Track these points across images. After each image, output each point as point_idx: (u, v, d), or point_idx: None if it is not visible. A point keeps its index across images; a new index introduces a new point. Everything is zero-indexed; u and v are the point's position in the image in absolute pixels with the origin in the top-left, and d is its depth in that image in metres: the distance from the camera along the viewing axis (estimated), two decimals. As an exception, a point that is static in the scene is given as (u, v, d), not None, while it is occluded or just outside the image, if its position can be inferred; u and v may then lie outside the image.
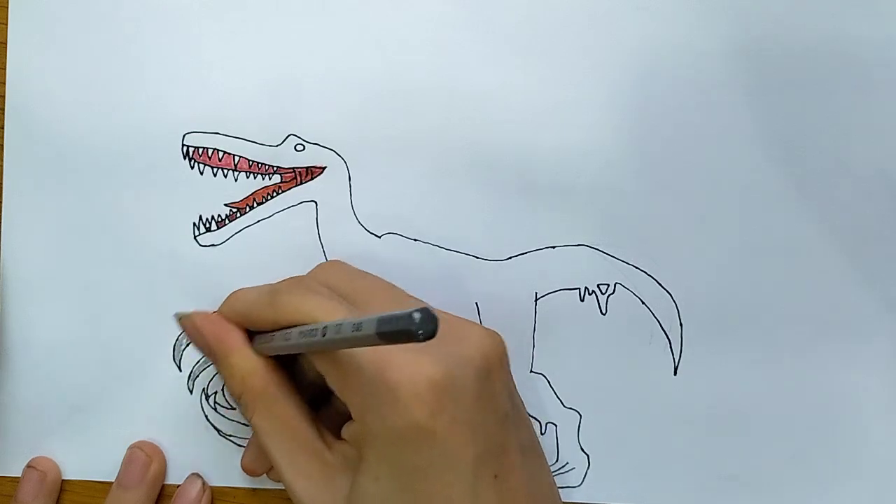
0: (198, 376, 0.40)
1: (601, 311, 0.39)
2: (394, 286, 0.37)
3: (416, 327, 0.25)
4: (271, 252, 0.39)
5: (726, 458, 0.40)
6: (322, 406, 0.37)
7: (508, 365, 0.35)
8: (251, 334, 0.36)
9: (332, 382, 0.34)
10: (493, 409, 0.33)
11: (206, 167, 0.39)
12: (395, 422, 0.31)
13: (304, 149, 0.39)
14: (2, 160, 0.40)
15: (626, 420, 0.40)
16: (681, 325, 0.39)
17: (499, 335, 0.34)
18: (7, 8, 0.39)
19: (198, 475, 0.40)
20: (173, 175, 0.39)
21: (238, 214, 0.39)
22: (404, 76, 0.39)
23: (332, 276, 0.37)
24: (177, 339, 0.40)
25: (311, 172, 0.39)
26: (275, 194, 0.39)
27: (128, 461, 0.39)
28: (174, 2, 0.39)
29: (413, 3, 0.39)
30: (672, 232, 0.39)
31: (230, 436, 0.40)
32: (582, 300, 0.39)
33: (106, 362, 0.40)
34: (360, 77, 0.39)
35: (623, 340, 0.39)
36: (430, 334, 0.25)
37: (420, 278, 0.39)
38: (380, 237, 0.39)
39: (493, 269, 0.39)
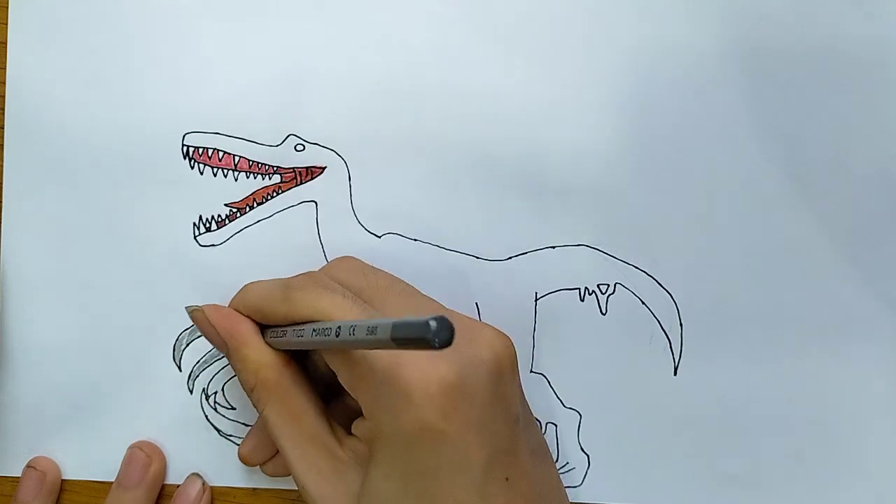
0: (198, 376, 0.40)
1: (601, 311, 0.39)
2: (407, 284, 0.36)
3: (433, 335, 0.25)
4: (271, 252, 0.39)
5: (726, 458, 0.40)
6: (333, 400, 0.37)
7: (518, 367, 0.35)
8: (262, 327, 0.36)
9: (344, 380, 0.34)
10: (505, 411, 0.33)
11: (206, 167, 0.39)
12: (406, 422, 0.31)
13: (304, 149, 0.39)
14: (2, 160, 0.40)
15: (626, 420, 0.40)
16: (681, 325, 0.39)
17: (509, 337, 0.34)
18: (7, 8, 0.39)
19: (198, 475, 0.40)
20: (173, 175, 0.39)
21: (238, 214, 0.39)
22: (404, 76, 0.39)
23: (345, 273, 0.36)
24: (177, 339, 0.40)
25: (311, 172, 0.39)
26: (275, 194, 0.39)
27: (128, 461, 0.39)
28: (174, 2, 0.39)
29: (413, 3, 0.39)
30: (672, 232, 0.39)
31: (230, 436, 0.40)
32: (582, 300, 0.39)
33: (106, 362, 0.40)
34: (361, 77, 0.39)
35: (623, 340, 0.39)
36: (446, 343, 0.25)
37: (420, 278, 0.39)
38: (380, 237, 0.39)
39: (493, 269, 0.39)
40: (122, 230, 0.39)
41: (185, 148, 0.39)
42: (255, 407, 0.36)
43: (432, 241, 0.39)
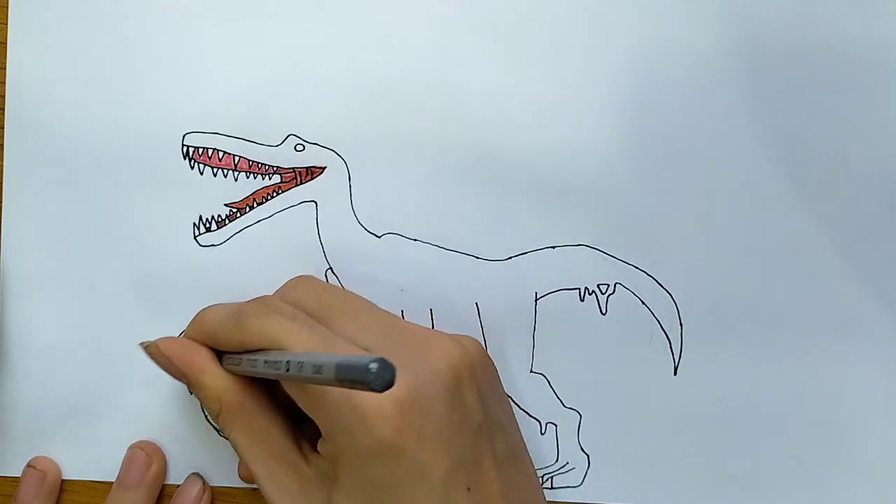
0: (198, 376, 0.40)
1: (601, 311, 0.39)
2: (361, 299, 0.37)
3: (373, 378, 0.25)
4: (271, 252, 0.39)
5: (726, 458, 0.40)
6: (305, 419, 0.37)
7: (486, 371, 0.34)
8: (219, 353, 0.36)
9: (301, 404, 0.34)
10: (464, 420, 0.33)
11: (206, 167, 0.39)
12: (362, 441, 0.31)
13: (304, 149, 0.39)
14: (2, 160, 0.40)
15: (626, 420, 0.40)
16: (681, 325, 0.39)
17: (469, 342, 0.34)
18: (7, 8, 0.39)
19: (198, 475, 0.40)
20: (173, 175, 0.39)
21: (238, 214, 0.39)
22: (404, 76, 0.39)
23: (300, 293, 0.37)
24: (177, 339, 0.40)
25: (311, 172, 0.39)
26: (275, 194, 0.39)
27: (128, 461, 0.39)
28: (174, 2, 0.39)
29: (413, 3, 0.39)
30: (672, 232, 0.39)
31: (230, 436, 0.40)
32: (582, 300, 0.39)
33: (106, 362, 0.40)
34: (360, 77, 0.39)
35: (623, 340, 0.39)
36: (388, 385, 0.26)
37: (420, 278, 0.39)
38: (380, 237, 0.39)
39: (493, 269, 0.39)
40: (122, 230, 0.39)
41: (185, 148, 0.39)
42: (222, 433, 0.36)
43: (432, 241, 0.39)
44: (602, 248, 0.39)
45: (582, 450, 0.40)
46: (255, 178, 0.39)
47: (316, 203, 0.39)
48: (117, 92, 0.39)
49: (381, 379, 0.25)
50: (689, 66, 0.39)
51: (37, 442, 0.40)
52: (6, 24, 0.39)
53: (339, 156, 0.39)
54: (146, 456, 0.39)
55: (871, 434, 0.40)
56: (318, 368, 0.28)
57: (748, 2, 0.39)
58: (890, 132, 0.39)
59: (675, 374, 0.39)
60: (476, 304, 0.39)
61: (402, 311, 0.39)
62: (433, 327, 0.39)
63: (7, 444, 0.40)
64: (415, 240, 0.39)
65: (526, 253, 0.39)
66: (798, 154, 0.39)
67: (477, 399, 0.34)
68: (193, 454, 0.40)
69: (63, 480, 0.40)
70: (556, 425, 0.40)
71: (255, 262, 0.39)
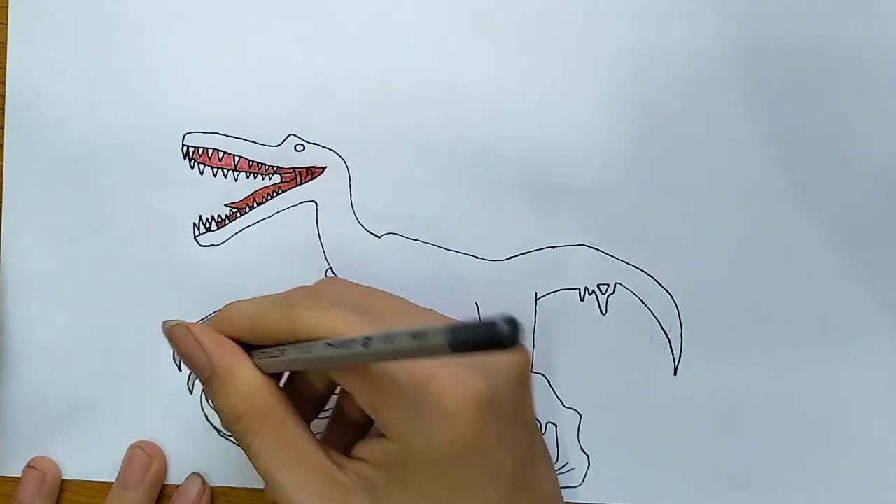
0: (198, 376, 0.40)
1: (601, 311, 0.39)
2: (402, 298, 0.35)
3: (505, 334, 0.24)
4: (271, 252, 0.39)
5: (726, 458, 0.40)
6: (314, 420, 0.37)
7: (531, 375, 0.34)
8: (247, 349, 0.34)
9: (363, 402, 0.32)
10: (525, 419, 0.33)
11: (206, 167, 0.39)
12: (442, 439, 0.30)
13: (304, 149, 0.39)
14: (2, 160, 0.40)
15: (626, 420, 0.40)
16: (681, 325, 0.39)
17: (523, 344, 0.34)
18: (7, 8, 0.39)
19: (198, 475, 0.40)
20: (173, 175, 0.39)
21: (238, 214, 0.39)
22: (404, 76, 0.39)
23: (339, 289, 0.35)
24: (177, 339, 0.40)
25: (311, 172, 0.39)
26: (275, 194, 0.39)
27: (128, 461, 0.39)
28: (174, 2, 0.39)
29: (413, 3, 0.39)
30: (672, 232, 0.39)
31: (230, 436, 0.40)
32: (582, 300, 0.39)
33: (106, 362, 0.40)
34: (360, 77, 0.39)
35: (623, 340, 0.39)
36: (516, 340, 0.24)
37: (420, 278, 0.39)
38: (380, 237, 0.39)
39: (493, 269, 0.39)
40: (122, 230, 0.39)
41: (185, 148, 0.39)
42: (239, 439, 0.33)
43: (432, 241, 0.39)
44: (602, 248, 0.39)
45: (582, 450, 0.40)
46: (255, 178, 0.39)
47: (316, 203, 0.39)
48: (117, 92, 0.39)
49: (512, 334, 0.24)
50: (689, 66, 0.39)
51: (37, 442, 0.40)
52: (6, 24, 0.39)
53: (339, 156, 0.39)
54: (146, 456, 0.39)
55: (871, 434, 0.40)
56: (419, 335, 0.26)
57: (748, 2, 0.39)
58: (890, 132, 0.39)
59: (675, 374, 0.39)
60: (476, 304, 0.39)
61: (402, 311, 0.39)
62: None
63: (7, 444, 0.40)
64: (415, 240, 0.39)
65: (526, 253, 0.39)
66: (798, 154, 0.39)
67: (532, 397, 0.34)
68: (193, 454, 0.40)
69: (63, 480, 0.40)
70: (556, 425, 0.40)
71: (255, 262, 0.39)
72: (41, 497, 0.39)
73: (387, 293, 0.35)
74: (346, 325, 0.31)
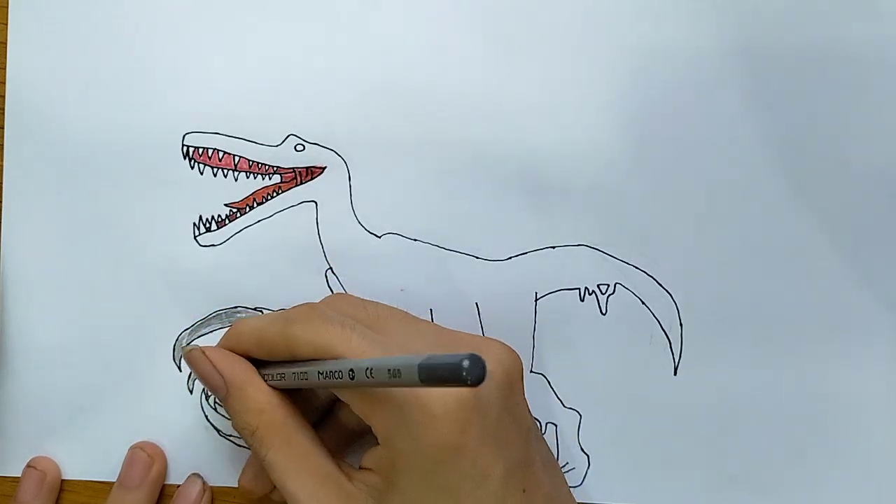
0: (198, 376, 0.40)
1: (601, 311, 0.39)
2: (405, 312, 0.36)
3: (467, 374, 0.25)
4: (271, 252, 0.39)
5: (726, 458, 0.40)
6: (321, 425, 0.38)
7: (524, 381, 0.35)
8: (258, 366, 0.36)
9: (357, 409, 0.33)
10: (517, 423, 0.33)
11: (206, 167, 0.39)
12: (426, 442, 0.31)
13: (304, 149, 0.39)
14: (2, 160, 0.40)
15: (626, 420, 0.40)
16: (681, 325, 0.39)
17: (514, 350, 0.34)
18: (7, 8, 0.39)
19: (198, 475, 0.40)
20: (173, 175, 0.39)
21: (238, 214, 0.39)
22: (404, 76, 0.39)
23: (342, 304, 0.36)
24: (177, 340, 0.40)
25: (311, 172, 0.39)
26: (275, 194, 0.39)
27: (129, 462, 0.39)
28: (174, 2, 0.39)
29: (413, 3, 0.39)
30: (672, 232, 0.39)
31: (230, 436, 0.40)
32: (582, 300, 0.39)
33: (106, 362, 0.40)
34: (360, 77, 0.39)
35: (623, 340, 0.39)
36: (480, 379, 0.26)
37: (420, 278, 0.39)
38: (380, 237, 0.39)
39: (493, 269, 0.39)
40: (122, 230, 0.39)
41: (185, 148, 0.39)
42: (255, 451, 0.35)
43: (432, 241, 0.39)
44: (602, 248, 0.39)
45: (582, 450, 0.40)
46: (255, 178, 0.39)
47: (316, 203, 0.39)
48: (117, 92, 0.39)
49: (474, 374, 0.25)
50: (689, 66, 0.39)
51: (37, 442, 0.40)
52: (6, 24, 0.39)
53: (340, 156, 0.39)
54: (147, 457, 0.39)
55: (871, 434, 0.40)
56: (394, 372, 0.28)
57: (748, 2, 0.39)
58: (890, 132, 0.39)
59: (675, 374, 0.39)
60: (476, 304, 0.39)
61: (402, 311, 0.39)
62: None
63: (7, 444, 0.40)
64: (415, 240, 0.39)
65: (526, 253, 0.39)
66: (798, 154, 0.39)
67: (525, 403, 0.34)
68: (193, 454, 0.40)
69: (63, 480, 0.40)
70: (556, 425, 0.40)
71: (255, 262, 0.39)
72: (41, 497, 0.39)
73: (387, 307, 0.36)
74: (341, 344, 0.32)
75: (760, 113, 0.39)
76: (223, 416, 0.40)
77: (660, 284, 0.39)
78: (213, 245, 0.39)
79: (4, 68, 0.39)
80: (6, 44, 0.39)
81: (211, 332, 0.40)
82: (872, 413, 0.39)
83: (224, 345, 0.36)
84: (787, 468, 0.40)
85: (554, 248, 0.39)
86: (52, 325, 0.40)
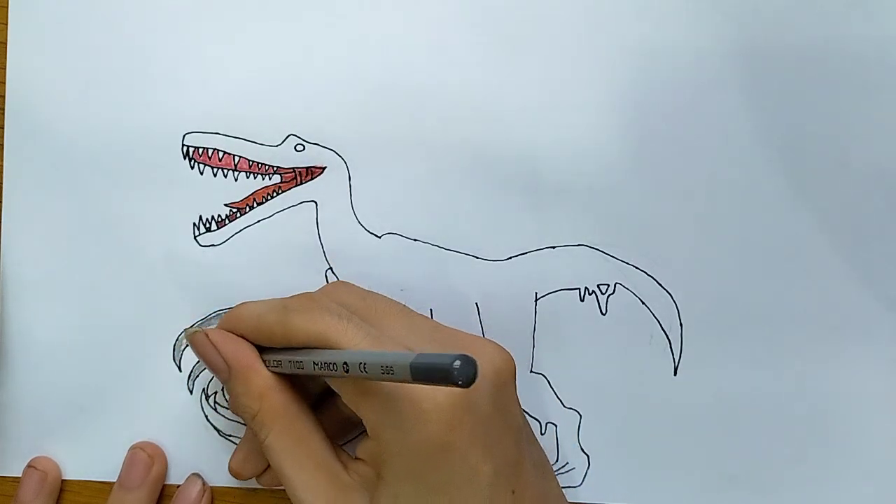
0: (198, 376, 0.40)
1: (601, 311, 0.39)
2: (403, 306, 0.36)
3: (457, 374, 0.26)
4: (271, 252, 0.39)
5: (726, 458, 0.40)
6: (322, 408, 0.38)
7: (516, 382, 0.35)
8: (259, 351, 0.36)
9: (347, 398, 0.33)
10: (508, 424, 0.33)
11: (206, 167, 0.39)
12: (415, 437, 0.31)
13: (304, 149, 0.39)
14: (2, 160, 0.40)
15: (626, 420, 0.40)
16: (681, 325, 0.39)
17: (508, 352, 0.34)
18: (7, 8, 0.39)
19: (198, 475, 0.40)
20: (173, 175, 0.39)
21: (238, 214, 0.39)
22: (404, 76, 0.39)
23: (342, 294, 0.36)
24: (177, 339, 0.40)
25: (311, 172, 0.39)
26: (275, 194, 0.39)
27: (130, 462, 0.39)
28: (174, 2, 0.39)
29: (413, 3, 0.39)
30: (672, 232, 0.39)
31: (230, 436, 0.40)
32: (582, 300, 0.39)
33: (106, 362, 0.40)
34: (361, 77, 0.39)
35: (623, 340, 0.39)
36: (471, 380, 0.26)
37: (420, 278, 0.39)
38: (380, 237, 0.39)
39: (493, 269, 0.39)
40: (121, 230, 0.39)
41: (185, 148, 0.39)
42: (255, 433, 0.35)
43: (432, 241, 0.39)
44: (602, 248, 0.39)
45: (582, 450, 0.40)
46: (255, 178, 0.39)
47: (316, 203, 0.39)
48: (117, 92, 0.39)
49: (465, 375, 0.26)
50: (689, 66, 0.39)
51: (37, 442, 0.40)
52: (6, 24, 0.39)
53: (339, 156, 0.39)
54: (148, 457, 0.39)
55: (871, 434, 0.40)
56: (387, 368, 0.28)
57: (748, 2, 0.39)
58: (890, 132, 0.39)
59: (675, 374, 0.39)
60: (476, 304, 0.39)
61: (402, 311, 0.39)
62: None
63: (7, 444, 0.40)
64: (415, 240, 0.39)
65: (526, 253, 0.39)
66: (798, 154, 0.39)
67: (517, 404, 0.34)
68: (193, 454, 0.40)
69: (63, 480, 0.40)
70: (555, 425, 0.40)
71: (255, 262, 0.39)
72: (41, 497, 0.39)
73: (386, 298, 0.36)
74: (336, 334, 0.32)
75: (760, 113, 0.39)
76: (223, 416, 0.40)
77: (660, 284, 0.39)
78: (213, 245, 0.39)
79: (4, 68, 0.39)
80: (6, 44, 0.39)
81: (211, 332, 0.40)
82: (872, 413, 0.39)
83: (223, 327, 0.36)
84: (787, 468, 0.40)
85: (554, 248, 0.39)
86: (52, 325, 0.40)
